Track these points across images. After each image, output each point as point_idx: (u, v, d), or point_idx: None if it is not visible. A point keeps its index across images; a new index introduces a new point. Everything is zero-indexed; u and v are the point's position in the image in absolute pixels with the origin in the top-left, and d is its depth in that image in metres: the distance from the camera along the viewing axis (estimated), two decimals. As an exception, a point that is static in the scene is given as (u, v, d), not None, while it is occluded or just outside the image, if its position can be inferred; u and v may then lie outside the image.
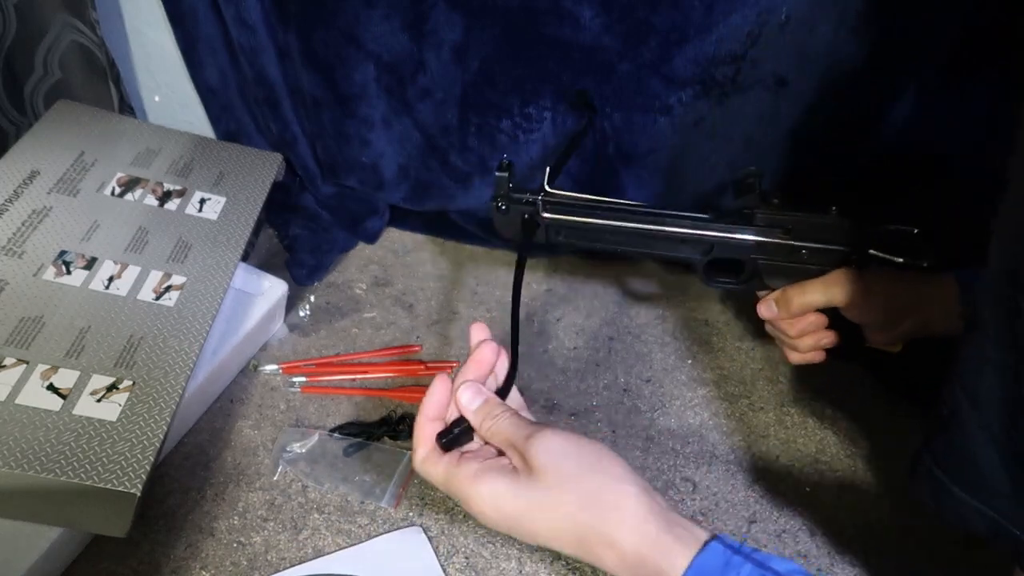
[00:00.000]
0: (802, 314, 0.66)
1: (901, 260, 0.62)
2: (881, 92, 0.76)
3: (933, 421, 0.48)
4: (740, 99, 0.77)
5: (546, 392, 0.80)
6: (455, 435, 0.50)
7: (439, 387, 0.51)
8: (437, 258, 0.98)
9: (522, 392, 0.56)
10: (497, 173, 0.65)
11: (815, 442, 0.77)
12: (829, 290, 0.64)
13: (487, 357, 0.52)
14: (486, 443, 0.51)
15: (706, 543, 0.43)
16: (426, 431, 0.51)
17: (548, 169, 0.67)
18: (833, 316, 0.67)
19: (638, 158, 0.84)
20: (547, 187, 0.66)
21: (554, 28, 0.76)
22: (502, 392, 0.52)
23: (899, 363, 0.81)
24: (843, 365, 0.84)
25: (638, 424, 0.78)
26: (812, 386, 0.82)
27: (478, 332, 0.54)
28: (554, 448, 0.46)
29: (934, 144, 0.77)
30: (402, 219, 1.02)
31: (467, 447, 0.51)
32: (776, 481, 0.73)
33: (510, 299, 0.56)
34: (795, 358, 0.70)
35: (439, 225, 1.00)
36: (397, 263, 0.97)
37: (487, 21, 0.78)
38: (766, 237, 0.64)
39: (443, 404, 0.51)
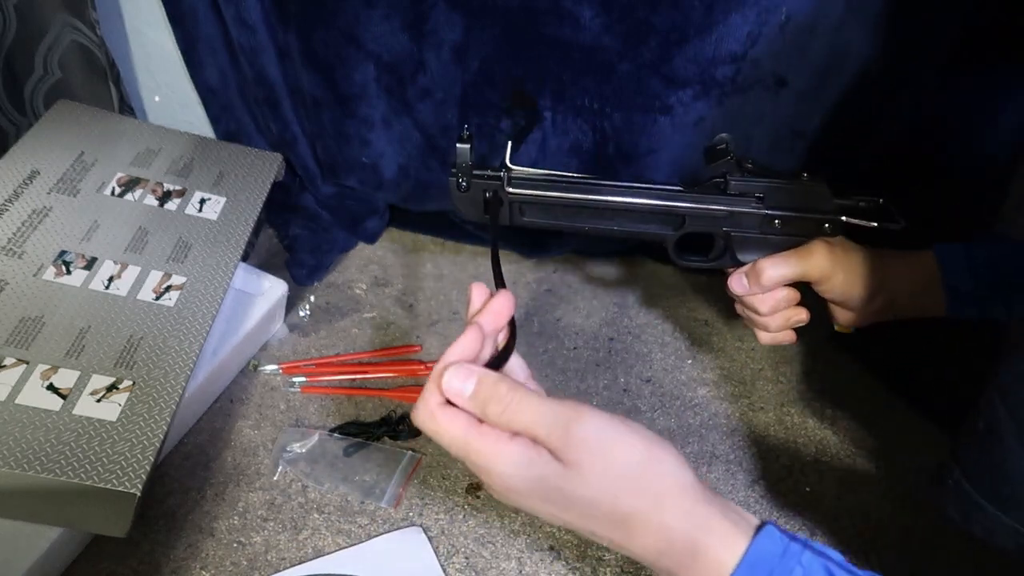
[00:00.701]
0: (773, 288, 0.64)
1: (876, 224, 0.61)
2: (881, 92, 0.76)
3: (965, 434, 0.47)
4: (740, 99, 0.77)
5: (546, 392, 0.80)
6: None
7: (471, 337, 0.43)
8: (437, 258, 0.98)
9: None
10: (458, 145, 0.60)
11: (815, 442, 0.77)
12: (801, 262, 0.62)
13: (504, 307, 0.45)
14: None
15: (760, 527, 0.41)
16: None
17: (509, 143, 0.63)
18: (803, 294, 0.65)
19: (638, 158, 0.84)
20: (508, 162, 0.62)
21: (554, 28, 0.76)
22: (499, 360, 0.45)
23: (899, 364, 0.81)
24: (844, 366, 0.84)
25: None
26: (812, 386, 0.82)
27: (479, 292, 0.47)
28: (599, 438, 0.41)
29: (934, 144, 0.77)
30: (402, 219, 1.02)
31: None
32: (776, 481, 0.73)
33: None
34: (765, 338, 0.67)
35: (439, 225, 1.00)
36: (397, 263, 0.97)
37: (487, 21, 0.78)
38: (739, 207, 0.62)
39: (470, 356, 0.44)
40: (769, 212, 0.62)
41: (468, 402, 0.42)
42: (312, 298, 0.90)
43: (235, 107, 0.95)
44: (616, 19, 0.74)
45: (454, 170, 0.62)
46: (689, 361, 0.85)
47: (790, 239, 0.63)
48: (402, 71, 0.84)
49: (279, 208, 0.98)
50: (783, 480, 0.73)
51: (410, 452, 0.72)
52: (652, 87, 0.78)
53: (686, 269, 0.67)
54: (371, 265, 0.97)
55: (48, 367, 0.60)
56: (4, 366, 0.59)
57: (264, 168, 0.86)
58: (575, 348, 0.86)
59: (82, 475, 0.53)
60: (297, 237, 0.95)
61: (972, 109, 0.73)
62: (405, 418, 0.75)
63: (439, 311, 0.90)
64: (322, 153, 0.95)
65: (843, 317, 0.67)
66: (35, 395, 0.57)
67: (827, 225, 0.62)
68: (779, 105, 0.77)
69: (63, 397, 0.58)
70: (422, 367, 0.81)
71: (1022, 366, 0.43)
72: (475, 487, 0.70)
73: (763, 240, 0.63)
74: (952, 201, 0.72)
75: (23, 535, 0.58)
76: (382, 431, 0.73)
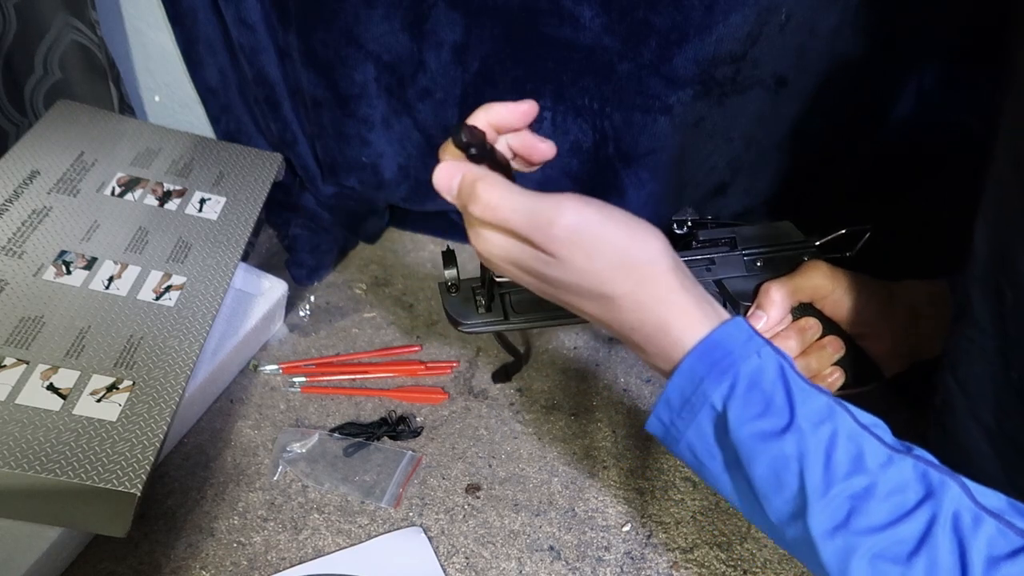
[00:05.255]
0: (786, 307, 0.62)
1: (844, 231, 0.63)
2: (881, 92, 0.76)
3: (928, 412, 0.48)
4: (740, 99, 0.77)
5: (546, 392, 0.80)
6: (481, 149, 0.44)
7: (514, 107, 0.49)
8: (437, 258, 0.98)
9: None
10: (446, 272, 0.62)
11: (815, 442, 0.77)
12: (802, 277, 0.61)
13: (530, 110, 0.49)
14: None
15: (730, 319, 0.45)
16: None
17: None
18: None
19: (638, 158, 0.84)
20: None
21: (554, 28, 0.76)
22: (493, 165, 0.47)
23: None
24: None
25: (638, 424, 0.77)
26: (812, 386, 0.82)
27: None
28: (579, 233, 0.43)
29: (934, 144, 0.77)
30: (402, 219, 1.02)
31: None
32: (776, 481, 0.72)
33: None
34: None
35: (439, 225, 1.00)
36: (397, 263, 0.97)
37: (487, 21, 0.78)
38: (715, 253, 0.63)
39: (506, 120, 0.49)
40: (744, 253, 0.63)
41: (454, 201, 0.45)
42: (312, 298, 0.90)
43: (235, 107, 0.95)
44: (616, 19, 0.74)
45: (446, 281, 0.62)
46: (689, 361, 0.85)
47: (778, 274, 0.63)
48: (402, 71, 0.84)
49: (279, 208, 0.98)
50: (783, 480, 0.73)
51: (410, 452, 0.72)
52: (652, 87, 0.78)
53: None
54: (371, 265, 0.97)
55: (48, 367, 0.60)
56: (4, 366, 0.59)
57: (264, 168, 0.86)
58: (575, 348, 0.86)
59: (82, 475, 0.53)
60: (297, 237, 0.95)
61: (973, 108, 0.73)
62: (405, 418, 0.75)
63: (439, 311, 0.90)
64: (322, 153, 0.95)
65: (874, 349, 0.63)
66: (35, 395, 0.58)
67: (805, 257, 0.63)
68: (779, 105, 0.77)
69: (63, 397, 0.58)
70: (422, 367, 0.81)
71: (964, 339, 0.44)
72: (475, 487, 0.70)
73: (755, 280, 0.64)
74: (952, 201, 0.72)
75: (23, 535, 0.58)
76: (382, 431, 0.74)
